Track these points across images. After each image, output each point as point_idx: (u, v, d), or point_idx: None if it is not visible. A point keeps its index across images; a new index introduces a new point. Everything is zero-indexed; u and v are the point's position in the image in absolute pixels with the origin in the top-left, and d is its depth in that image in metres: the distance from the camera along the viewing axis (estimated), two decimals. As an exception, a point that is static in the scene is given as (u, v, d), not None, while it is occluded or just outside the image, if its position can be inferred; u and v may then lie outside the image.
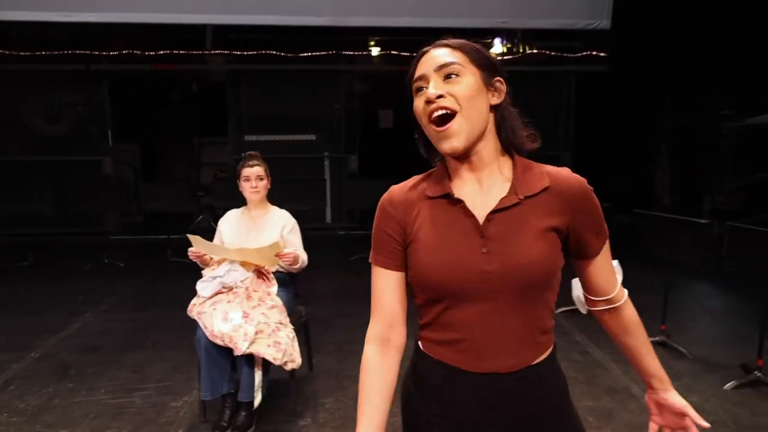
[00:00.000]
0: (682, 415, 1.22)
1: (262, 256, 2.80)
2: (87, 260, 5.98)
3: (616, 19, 5.82)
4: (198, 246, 2.78)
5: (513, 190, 1.07)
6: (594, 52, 7.10)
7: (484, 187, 1.09)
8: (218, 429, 2.71)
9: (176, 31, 6.36)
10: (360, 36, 7.01)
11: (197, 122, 8.15)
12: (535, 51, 7.17)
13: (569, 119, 7.90)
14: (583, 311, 1.14)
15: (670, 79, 7.62)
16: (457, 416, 1.11)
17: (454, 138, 1.04)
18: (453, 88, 1.04)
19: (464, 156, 1.08)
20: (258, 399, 2.71)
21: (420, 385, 1.16)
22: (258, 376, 2.71)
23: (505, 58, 7.41)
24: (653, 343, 3.73)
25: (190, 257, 2.84)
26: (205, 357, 2.69)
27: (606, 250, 1.15)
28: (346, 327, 4.16)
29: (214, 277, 2.80)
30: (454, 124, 1.04)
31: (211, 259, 2.90)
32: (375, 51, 7.49)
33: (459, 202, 1.08)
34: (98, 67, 7.01)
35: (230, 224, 3.08)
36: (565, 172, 1.11)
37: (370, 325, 1.16)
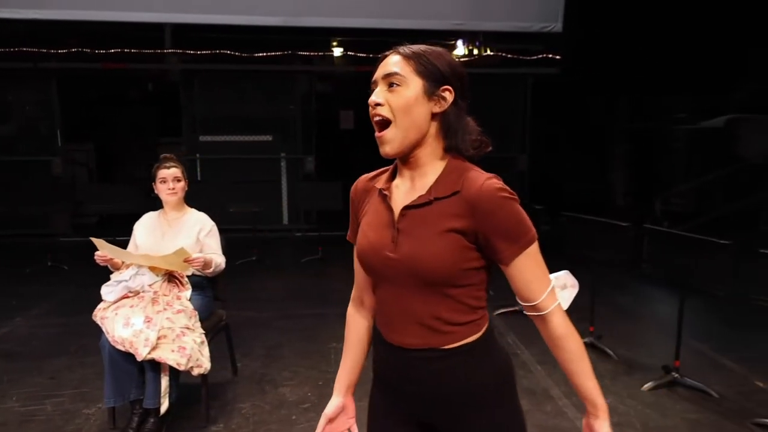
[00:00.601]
0: None
1: (169, 262, 2.73)
2: (31, 263, 5.87)
3: (570, 22, 5.85)
4: (103, 249, 2.71)
5: (429, 190, 1.17)
6: (550, 55, 7.10)
7: (414, 186, 1.20)
8: (124, 436, 2.65)
9: (129, 30, 6.26)
10: (322, 37, 6.96)
11: (154, 122, 8.03)
12: (491, 53, 7.16)
13: (525, 122, 7.90)
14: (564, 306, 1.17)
15: (624, 83, 7.67)
16: (384, 377, 1.31)
17: (386, 144, 1.16)
18: (391, 98, 1.14)
19: (403, 158, 1.20)
20: (165, 405, 2.65)
21: (373, 350, 1.36)
22: (164, 381, 2.65)
23: (462, 60, 7.40)
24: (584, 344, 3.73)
25: (97, 261, 2.77)
26: (109, 363, 2.63)
27: (526, 256, 1.14)
28: (281, 330, 4.11)
29: (120, 282, 2.73)
30: (388, 133, 1.15)
31: (122, 262, 2.84)
32: (337, 52, 7.44)
33: (385, 196, 1.23)
34: (47, 66, 6.85)
35: (145, 227, 3.02)
36: (482, 179, 1.14)
37: (353, 289, 1.40)
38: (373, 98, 1.15)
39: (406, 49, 1.16)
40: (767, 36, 7.66)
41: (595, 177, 8.29)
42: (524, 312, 1.23)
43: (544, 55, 7.14)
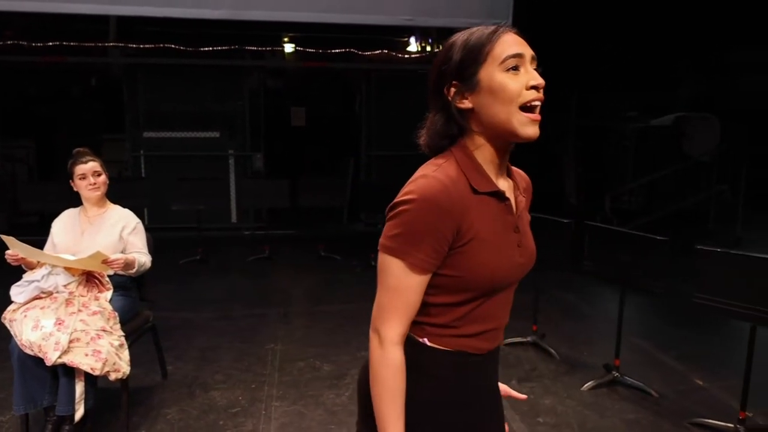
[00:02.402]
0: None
1: (86, 264, 2.61)
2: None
3: (519, 18, 5.86)
4: (15, 248, 2.58)
5: (517, 187, 1.16)
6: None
7: (508, 182, 1.15)
8: (37, 445, 2.53)
9: (69, 22, 6.04)
10: (273, 32, 6.86)
11: (97, 118, 7.80)
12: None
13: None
14: None
15: (573, 80, 7.77)
16: (475, 400, 1.16)
17: (538, 129, 1.04)
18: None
19: (508, 150, 1.10)
20: (80, 412, 2.52)
21: (426, 382, 1.11)
22: (79, 387, 2.53)
23: (413, 56, 7.41)
24: (524, 344, 3.72)
25: (8, 260, 2.63)
26: (18, 368, 2.50)
27: None
28: (218, 331, 4.01)
29: (31, 282, 2.61)
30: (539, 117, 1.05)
31: (37, 262, 2.71)
32: (288, 48, 7.35)
33: (506, 200, 1.10)
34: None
35: (63, 225, 2.88)
36: (518, 169, 1.22)
37: (392, 324, 1.05)
38: (539, 80, 1.03)
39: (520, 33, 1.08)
40: (718, 33, 7.87)
41: (544, 175, 8.38)
42: None
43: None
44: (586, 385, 3.22)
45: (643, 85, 8.42)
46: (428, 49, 7.31)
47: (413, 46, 7.37)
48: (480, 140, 1.08)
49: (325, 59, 6.95)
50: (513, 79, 1.03)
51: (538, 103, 1.04)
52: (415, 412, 1.10)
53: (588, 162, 8.70)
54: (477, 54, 1.04)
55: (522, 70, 1.04)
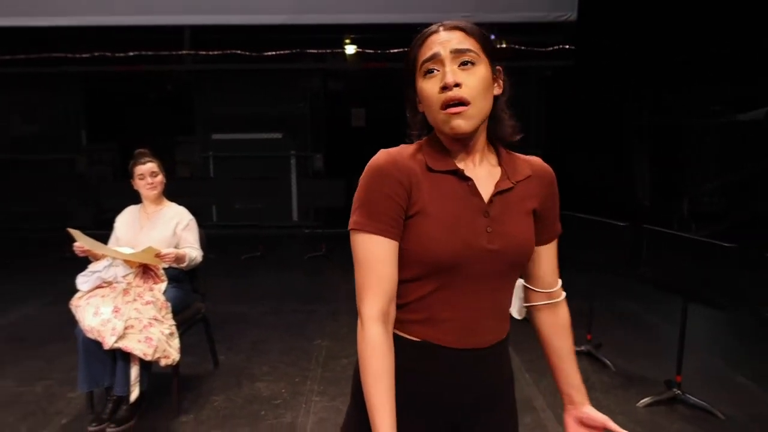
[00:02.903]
0: (603, 429, 1.18)
1: (140, 257, 2.83)
2: (52, 255, 6.19)
3: (585, 10, 5.63)
4: (81, 240, 2.84)
5: (505, 174, 1.10)
6: (567, 46, 6.86)
7: (479, 169, 1.10)
8: (97, 421, 2.75)
9: (147, 33, 6.51)
10: (334, 34, 7.02)
11: (170, 122, 8.35)
12: (504, 46, 7.03)
13: (539, 117, 7.71)
14: (518, 316, 1.21)
15: (647, 74, 7.35)
16: (429, 393, 1.10)
17: (464, 120, 1.02)
18: (467, 78, 1.01)
19: (462, 140, 1.07)
20: (135, 394, 2.74)
21: (403, 379, 1.08)
22: (134, 370, 2.74)
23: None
24: (577, 353, 3.58)
25: (76, 252, 2.90)
26: (83, 350, 2.74)
27: (556, 243, 1.21)
28: (269, 326, 4.18)
29: (94, 272, 2.86)
30: (468, 110, 1.02)
31: (101, 254, 2.96)
32: (350, 49, 7.49)
33: (467, 180, 1.07)
34: (72, 69, 7.21)
35: (125, 220, 3.14)
36: (538, 160, 1.18)
37: (368, 301, 1.03)
38: (452, 78, 1.00)
39: (463, 23, 1.05)
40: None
41: (616, 175, 8.03)
42: (529, 305, 1.27)
43: (559, 47, 6.93)
44: (642, 401, 2.99)
45: (726, 77, 7.81)
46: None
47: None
48: (439, 134, 1.11)
49: (386, 59, 7.03)
50: (430, 84, 1.04)
51: (455, 102, 1.02)
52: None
53: (663, 162, 8.23)
54: (409, 63, 1.08)
55: (439, 71, 1.03)
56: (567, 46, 6.95)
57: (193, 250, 3.08)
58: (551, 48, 7.09)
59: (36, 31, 6.12)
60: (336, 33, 6.97)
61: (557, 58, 7.19)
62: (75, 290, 2.84)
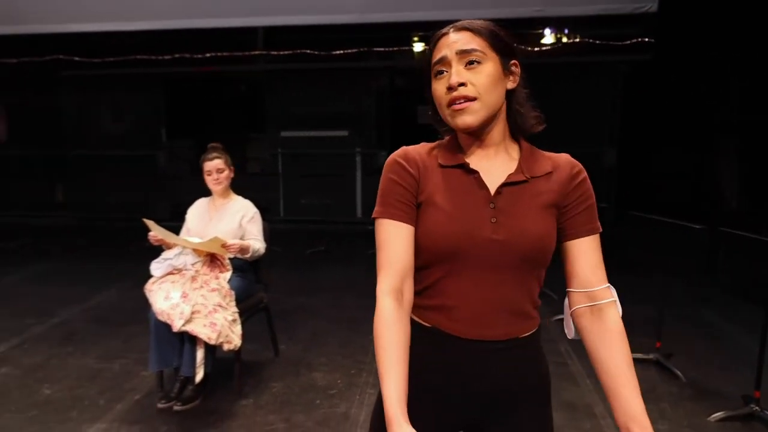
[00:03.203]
0: None
1: (207, 246, 2.99)
2: (133, 244, 6.63)
3: (666, 1, 5.33)
4: (155, 230, 3.04)
5: (520, 168, 1.12)
6: (645, 39, 6.49)
7: (493, 164, 1.14)
8: (166, 399, 2.95)
9: (222, 35, 6.85)
10: (402, 32, 7.07)
11: (243, 120, 8.70)
12: (577, 40, 6.78)
13: (615, 113, 7.38)
14: (570, 335, 1.09)
15: (733, 67, 6.83)
16: (444, 383, 1.14)
17: (470, 114, 1.07)
18: (474, 77, 1.07)
19: (476, 133, 1.12)
20: (200, 375, 2.90)
21: (414, 360, 1.10)
22: (200, 353, 2.91)
23: (543, 49, 7.08)
24: (645, 361, 3.39)
25: (151, 241, 3.10)
26: (154, 332, 2.93)
27: (596, 240, 1.14)
28: (328, 318, 4.28)
29: (166, 260, 3.06)
30: (473, 104, 1.07)
31: (174, 243, 3.16)
32: (418, 47, 7.50)
33: (474, 173, 1.12)
34: (154, 71, 7.70)
35: (196, 212, 3.33)
36: (565, 156, 1.17)
37: (381, 278, 1.10)
38: (456, 78, 1.06)
39: (471, 24, 1.10)
40: None
41: (698, 175, 7.54)
42: (571, 310, 1.17)
43: (637, 40, 6.59)
44: (714, 415, 2.80)
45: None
46: (564, 40, 6.97)
47: (548, 38, 7.09)
48: (457, 131, 1.16)
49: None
50: (439, 84, 1.11)
51: (461, 100, 1.07)
52: None
53: (753, 162, 7.64)
54: (424, 66, 1.15)
55: (447, 72, 1.09)
56: (645, 39, 6.59)
57: (256, 242, 3.21)
58: (629, 41, 6.76)
59: (122, 35, 6.58)
60: (403, 31, 7.01)
61: (635, 52, 6.86)
62: (150, 276, 3.05)
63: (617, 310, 1.13)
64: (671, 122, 7.15)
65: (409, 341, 1.07)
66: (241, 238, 3.18)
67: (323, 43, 6.91)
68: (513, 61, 1.12)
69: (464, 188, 1.11)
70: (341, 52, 6.92)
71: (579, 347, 3.68)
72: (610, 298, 1.13)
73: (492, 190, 1.10)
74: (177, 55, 7.28)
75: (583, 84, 7.31)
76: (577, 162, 1.16)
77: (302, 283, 5.17)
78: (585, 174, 1.15)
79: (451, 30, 1.10)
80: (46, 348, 3.69)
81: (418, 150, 1.17)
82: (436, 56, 1.10)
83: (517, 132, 1.17)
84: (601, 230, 1.16)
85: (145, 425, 2.77)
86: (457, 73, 1.06)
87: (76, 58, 7.53)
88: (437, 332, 1.13)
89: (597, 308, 1.12)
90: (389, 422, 0.97)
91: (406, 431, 0.96)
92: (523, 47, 7.06)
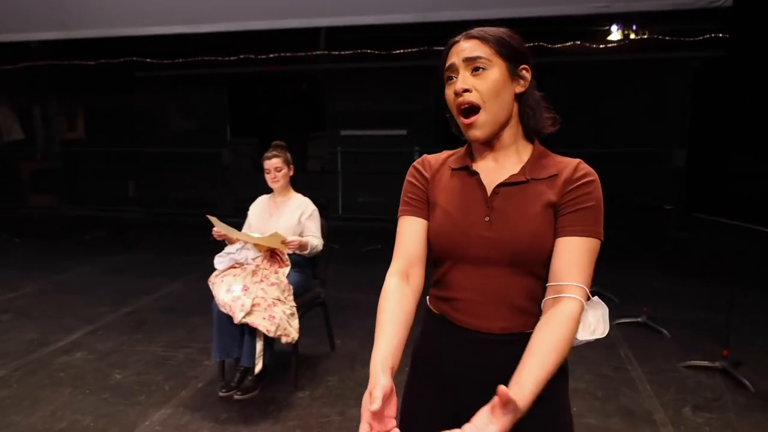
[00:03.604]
0: None
1: (267, 241, 3.08)
2: (198, 238, 6.90)
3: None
4: (218, 226, 3.16)
5: (523, 170, 1.18)
6: (717, 35, 6.14)
7: (500, 165, 1.20)
8: (226, 388, 3.07)
9: (285, 36, 7.02)
10: (461, 30, 6.98)
11: (304, 118, 8.88)
12: (645, 36, 6.48)
13: (685, 112, 7.02)
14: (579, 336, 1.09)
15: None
16: (445, 366, 1.23)
17: (477, 129, 1.16)
18: (479, 83, 1.13)
19: (487, 140, 1.19)
20: (259, 366, 3.00)
21: (423, 336, 1.30)
22: (259, 345, 3.00)
23: (609, 46, 6.81)
24: (711, 369, 3.23)
25: (214, 236, 3.23)
26: (216, 323, 3.05)
27: (585, 242, 1.12)
28: (385, 314, 4.30)
29: (229, 254, 3.17)
30: (479, 118, 1.15)
31: (236, 238, 3.27)
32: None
33: (475, 174, 1.21)
34: (220, 71, 7.99)
35: (257, 209, 3.44)
36: (576, 161, 1.20)
37: (391, 264, 1.25)
38: (461, 84, 1.14)
39: (481, 31, 1.16)
40: None
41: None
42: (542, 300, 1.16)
43: (710, 35, 6.24)
44: None
45: None
46: (631, 36, 6.70)
47: (615, 34, 6.83)
48: None
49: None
50: (449, 89, 1.19)
51: (465, 105, 1.15)
52: (415, 358, 1.31)
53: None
54: (439, 72, 1.23)
55: (455, 78, 1.17)
56: (719, 35, 6.24)
57: (314, 239, 3.28)
58: (701, 37, 6.42)
59: (191, 37, 6.86)
60: (464, 29, 6.94)
61: (707, 48, 6.52)
62: (214, 269, 3.18)
63: (576, 309, 1.08)
64: (746, 121, 6.74)
65: (407, 314, 1.19)
66: (300, 235, 3.25)
67: (383, 42, 6.95)
68: (523, 66, 1.18)
69: (465, 189, 1.20)
70: (401, 51, 6.95)
71: (639, 352, 3.59)
72: (573, 295, 1.09)
73: (489, 191, 1.17)
74: (242, 56, 7.53)
75: (651, 82, 7.02)
76: (588, 168, 1.18)
77: (358, 280, 5.23)
78: (590, 179, 1.15)
79: (462, 38, 1.18)
80: (118, 335, 3.91)
81: (437, 156, 1.30)
82: (447, 63, 1.18)
83: (531, 134, 1.22)
84: (598, 236, 1.13)
85: (207, 412, 2.89)
86: (463, 79, 1.15)
87: (149, 60, 7.93)
88: (444, 320, 1.23)
89: (558, 299, 1.11)
90: (370, 375, 1.07)
91: (382, 381, 1.04)
92: (573, 44, 6.85)
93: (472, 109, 1.14)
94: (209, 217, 3.13)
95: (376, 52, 7.09)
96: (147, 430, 2.71)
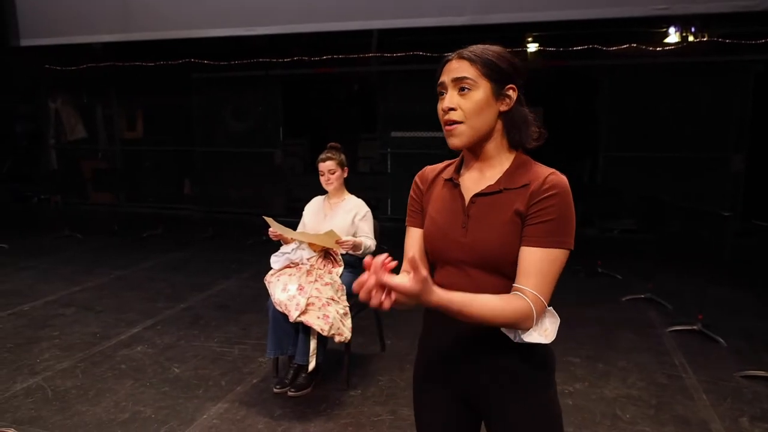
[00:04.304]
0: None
1: (322, 240, 3.13)
2: (250, 237, 7.06)
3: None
4: (273, 226, 3.23)
5: (499, 181, 1.27)
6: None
7: (483, 175, 1.31)
8: (280, 384, 3.14)
9: (338, 38, 7.10)
10: (515, 33, 6.91)
11: (356, 120, 8.93)
12: (705, 39, 6.23)
13: (744, 116, 6.71)
14: (514, 339, 1.21)
15: None
16: (437, 352, 1.38)
17: (455, 137, 1.26)
18: (463, 102, 1.24)
19: (471, 150, 1.31)
20: (312, 364, 3.06)
21: (424, 330, 1.45)
22: (313, 343, 3.06)
23: (666, 48, 6.58)
24: (760, 378, 3.13)
25: (270, 236, 3.30)
26: (272, 321, 3.13)
27: (544, 255, 1.19)
28: (435, 317, 4.30)
29: (284, 254, 3.24)
30: (458, 128, 1.25)
31: (290, 238, 3.34)
32: (532, 47, 7.30)
33: (457, 186, 1.33)
34: (275, 72, 8.14)
35: (312, 209, 3.49)
36: (547, 171, 1.25)
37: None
38: (447, 104, 1.25)
39: (470, 52, 1.24)
40: None
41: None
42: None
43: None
44: None
45: None
46: (690, 38, 6.46)
47: (672, 36, 6.61)
48: None
49: (568, 57, 6.74)
50: (439, 104, 1.29)
51: (450, 124, 1.25)
52: (418, 350, 1.45)
53: None
54: (435, 82, 1.31)
55: (445, 94, 1.27)
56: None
57: (367, 239, 3.31)
58: (762, 40, 6.12)
59: (246, 39, 7.03)
60: (517, 32, 6.86)
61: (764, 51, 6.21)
62: (268, 268, 3.25)
63: (528, 304, 1.18)
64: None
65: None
66: (354, 236, 3.29)
67: (435, 45, 6.94)
68: (509, 86, 1.25)
69: (450, 198, 1.33)
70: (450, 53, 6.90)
71: (693, 360, 3.47)
72: (526, 297, 1.18)
73: (467, 200, 1.29)
74: (295, 58, 7.66)
75: (710, 85, 6.73)
76: (556, 179, 1.22)
77: (407, 281, 5.25)
78: (554, 191, 1.20)
79: (455, 57, 1.26)
80: (175, 330, 4.05)
81: (434, 168, 1.44)
82: (440, 79, 1.28)
83: (516, 146, 1.30)
84: (562, 246, 1.20)
85: (263, 407, 2.96)
86: (450, 98, 1.25)
87: (206, 61, 8.16)
88: (436, 314, 1.26)
89: (515, 292, 1.21)
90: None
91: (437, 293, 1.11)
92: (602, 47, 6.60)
93: (455, 124, 1.25)
94: (265, 218, 3.20)
95: (428, 54, 7.08)
96: (205, 424, 2.80)
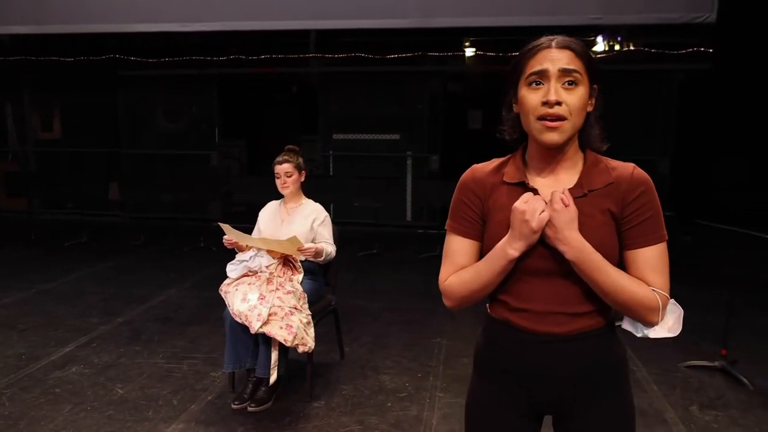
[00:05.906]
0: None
1: (284, 247, 3.01)
2: (187, 243, 6.73)
3: (726, 10, 5.20)
4: (230, 234, 3.06)
5: (579, 183, 1.20)
6: (701, 48, 6.34)
7: (557, 178, 1.23)
8: (239, 400, 2.98)
9: (276, 37, 6.93)
10: (454, 37, 7.04)
11: (295, 121, 8.77)
12: (632, 48, 6.65)
13: (669, 122, 7.22)
14: (638, 333, 1.21)
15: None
16: (508, 366, 1.28)
17: (560, 133, 1.14)
18: (569, 97, 1.14)
19: (555, 149, 1.19)
20: (274, 376, 2.92)
21: (489, 346, 1.33)
22: (274, 355, 2.92)
23: (599, 56, 6.94)
24: (711, 369, 3.32)
25: (225, 244, 3.13)
26: (229, 332, 2.97)
27: (656, 251, 1.19)
28: (389, 321, 4.28)
29: (242, 261, 3.08)
30: (565, 124, 1.14)
31: (247, 245, 3.18)
32: (469, 52, 7.46)
33: (531, 191, 1.21)
34: (210, 72, 7.83)
35: (267, 215, 3.35)
36: (632, 166, 1.22)
37: (442, 274, 1.32)
38: (554, 96, 1.12)
39: (574, 43, 1.16)
40: None
41: (758, 185, 7.31)
42: None
43: (695, 49, 6.43)
44: None
45: None
46: (616, 48, 6.86)
47: (600, 45, 6.98)
48: (530, 139, 1.22)
49: (506, 62, 6.95)
50: (533, 94, 1.16)
51: (553, 118, 1.14)
52: (480, 369, 1.35)
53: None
54: (516, 68, 1.20)
55: (545, 85, 1.15)
56: (702, 49, 6.43)
57: (328, 245, 3.22)
58: (684, 51, 6.61)
59: (178, 36, 6.72)
60: (457, 36, 6.99)
61: (692, 61, 6.72)
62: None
63: (654, 293, 1.18)
64: (728, 132, 6.97)
65: None
66: (313, 241, 3.19)
67: (377, 47, 6.93)
68: (595, 86, 1.19)
69: None
70: (395, 56, 6.93)
71: (641, 353, 3.63)
72: (661, 295, 1.18)
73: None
74: (231, 57, 7.39)
75: (636, 93, 7.17)
76: (642, 175, 1.21)
77: (357, 285, 5.18)
78: (647, 186, 1.19)
79: (554, 44, 1.15)
80: (114, 347, 3.75)
81: (486, 169, 1.30)
82: (535, 66, 1.15)
83: (585, 145, 1.24)
84: (665, 239, 1.20)
85: (222, 426, 2.80)
86: (556, 91, 1.13)
87: (133, 58, 7.70)
88: (506, 325, 1.27)
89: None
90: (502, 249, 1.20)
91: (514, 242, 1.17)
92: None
93: (558, 120, 1.15)
94: (221, 225, 3.03)
95: (370, 56, 7.06)
96: (162, 446, 2.61)
